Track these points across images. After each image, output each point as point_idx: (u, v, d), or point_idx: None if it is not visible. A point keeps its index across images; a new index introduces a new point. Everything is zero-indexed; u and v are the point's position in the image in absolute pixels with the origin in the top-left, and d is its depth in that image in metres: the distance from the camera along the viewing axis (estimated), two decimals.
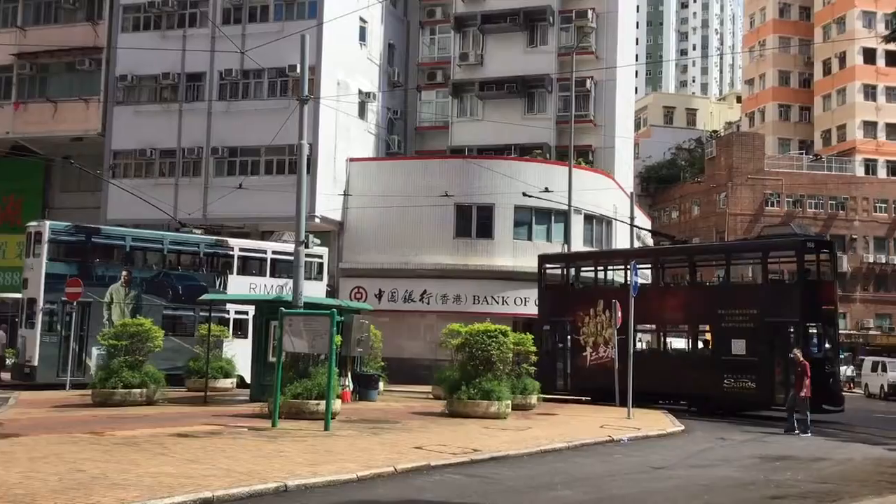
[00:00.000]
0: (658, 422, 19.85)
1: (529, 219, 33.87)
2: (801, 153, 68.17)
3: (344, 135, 34.65)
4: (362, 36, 37.04)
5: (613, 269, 28.52)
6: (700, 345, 25.26)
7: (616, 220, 36.30)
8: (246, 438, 13.81)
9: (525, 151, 38.04)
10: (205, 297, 23.21)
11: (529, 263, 33.00)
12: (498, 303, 32.42)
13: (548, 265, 29.43)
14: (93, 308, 24.67)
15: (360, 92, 36.39)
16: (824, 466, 13.79)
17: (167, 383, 20.47)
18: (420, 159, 38.04)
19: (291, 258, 20.20)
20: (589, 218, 35.05)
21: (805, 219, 57.44)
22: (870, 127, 68.13)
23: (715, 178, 62.16)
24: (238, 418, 16.76)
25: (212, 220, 32.99)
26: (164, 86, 35.48)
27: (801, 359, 19.26)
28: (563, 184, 31.56)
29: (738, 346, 23.33)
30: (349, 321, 21.80)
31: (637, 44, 74.93)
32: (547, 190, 31.34)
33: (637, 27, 75.79)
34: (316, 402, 16.67)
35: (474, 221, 33.65)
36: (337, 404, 17.08)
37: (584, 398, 26.42)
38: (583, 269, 29.05)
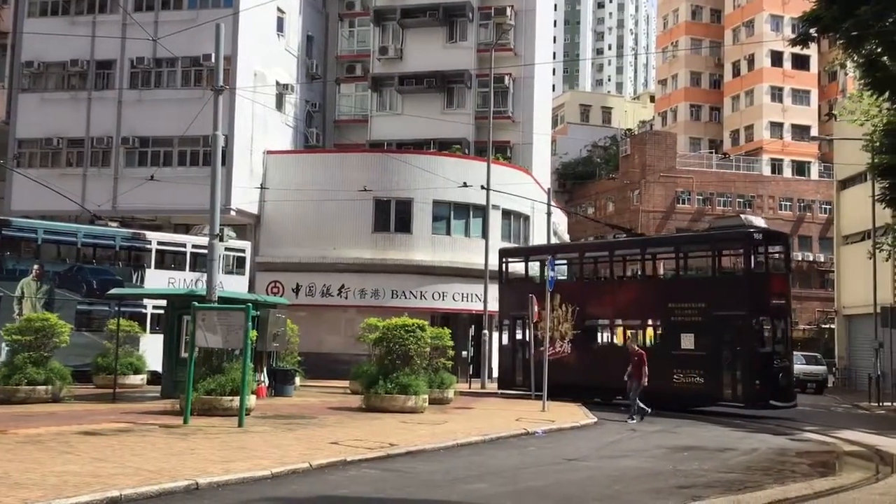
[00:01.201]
0: (572, 414, 20.20)
1: (448, 214, 34.01)
2: (711, 152, 70.22)
3: (261, 127, 34.15)
4: (280, 27, 36.56)
5: (569, 263, 28.08)
6: (652, 339, 24.66)
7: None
8: (156, 436, 13.49)
9: (444, 146, 38.18)
10: (114, 291, 22.61)
11: (448, 258, 33.23)
12: (416, 297, 32.46)
13: (508, 259, 29.09)
14: (3, 303, 23.78)
15: (278, 83, 35.92)
16: (730, 456, 14.23)
17: (80, 380, 19.86)
18: (339, 153, 37.77)
19: None
20: (507, 213, 35.38)
21: (713, 216, 59.19)
22: (776, 128, 70.63)
23: (629, 176, 63.47)
24: (148, 415, 16.37)
25: (122, 212, 32.10)
26: (72, 73, 34.37)
27: (637, 349, 20.54)
28: (482, 179, 31.76)
29: (688, 341, 23.00)
30: (265, 316, 21.51)
31: (554, 42, 75.97)
32: (465, 185, 31.52)
33: (554, 25, 76.91)
34: (230, 398, 16.39)
35: (393, 216, 33.59)
36: (252, 400, 16.86)
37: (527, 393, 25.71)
38: (538, 262, 28.36)
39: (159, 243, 27.42)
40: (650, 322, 24.55)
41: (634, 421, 19.45)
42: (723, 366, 22.17)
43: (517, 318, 27.47)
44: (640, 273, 25.71)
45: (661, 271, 25.93)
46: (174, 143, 32.70)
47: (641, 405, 19.86)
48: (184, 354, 19.18)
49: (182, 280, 27.15)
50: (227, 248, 27.29)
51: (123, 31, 33.51)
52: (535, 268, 28.54)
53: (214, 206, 18.50)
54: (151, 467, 10.36)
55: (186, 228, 32.54)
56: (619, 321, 25.29)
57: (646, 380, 19.78)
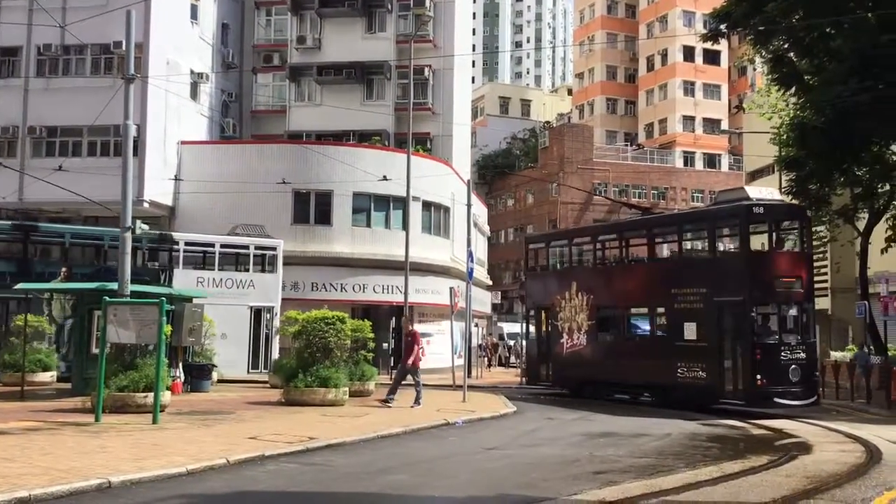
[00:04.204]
0: (492, 404, 20.40)
1: (368, 205, 33.87)
2: (627, 145, 71.72)
3: (175, 117, 33.35)
4: (194, 14, 35.75)
5: (583, 248, 26.38)
6: (657, 329, 22.35)
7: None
8: (67, 434, 13.09)
9: (364, 138, 37.99)
10: (21, 286, 21.79)
11: (368, 250, 33.11)
12: (336, 290, 32.24)
13: (531, 246, 28.00)
14: (33, 305, 23.07)
15: (192, 72, 35.13)
16: (644, 442, 14.58)
17: None
18: (256, 143, 37.21)
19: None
20: (427, 205, 35.41)
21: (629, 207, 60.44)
22: (688, 121, 72.59)
23: (547, 168, 64.28)
24: (58, 413, 15.86)
25: (29, 205, 30.94)
26: None
27: (411, 328, 20.22)
28: (402, 171, 31.69)
29: (690, 331, 20.57)
30: (180, 310, 21.06)
31: (474, 34, 76.26)
32: (385, 178, 31.43)
33: (473, 18, 77.17)
34: (143, 394, 16.01)
35: (313, 208, 33.28)
36: (166, 396, 16.50)
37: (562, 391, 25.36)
38: (559, 248, 27.11)
39: (187, 244, 27.23)
40: (656, 310, 22.19)
41: (420, 406, 18.77)
42: (724, 358, 19.69)
43: (541, 309, 26.35)
44: (646, 256, 23.21)
45: (665, 253, 23.67)
46: (84, 133, 31.69)
47: (395, 391, 19.34)
48: (95, 350, 18.64)
49: (211, 279, 26.90)
50: (257, 247, 27.84)
51: (30, 16, 32.23)
52: (555, 254, 27.31)
53: (126, 198, 17.99)
54: (62, 466, 10.05)
55: (96, 221, 31.58)
56: (633, 309, 23.18)
57: (413, 359, 19.19)
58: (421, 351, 19.76)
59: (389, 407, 18.79)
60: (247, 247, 27.86)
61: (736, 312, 19.51)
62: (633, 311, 23.11)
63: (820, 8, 22.64)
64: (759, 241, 20.61)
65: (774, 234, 20.44)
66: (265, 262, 28.10)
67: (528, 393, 26.23)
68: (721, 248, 21.10)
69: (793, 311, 20.00)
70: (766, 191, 21.41)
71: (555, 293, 25.27)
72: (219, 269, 27.52)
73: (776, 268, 19.92)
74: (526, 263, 28.10)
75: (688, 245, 22.51)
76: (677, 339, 20.76)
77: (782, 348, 19.10)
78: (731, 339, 19.64)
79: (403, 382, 20.25)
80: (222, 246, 27.69)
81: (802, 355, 19.35)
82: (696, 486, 10.07)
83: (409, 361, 19.58)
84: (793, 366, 19.06)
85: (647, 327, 22.60)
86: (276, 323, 26.32)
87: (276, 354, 26.07)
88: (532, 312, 26.98)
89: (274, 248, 28.36)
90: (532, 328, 26.93)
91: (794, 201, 26.45)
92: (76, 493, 8.93)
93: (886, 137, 24.60)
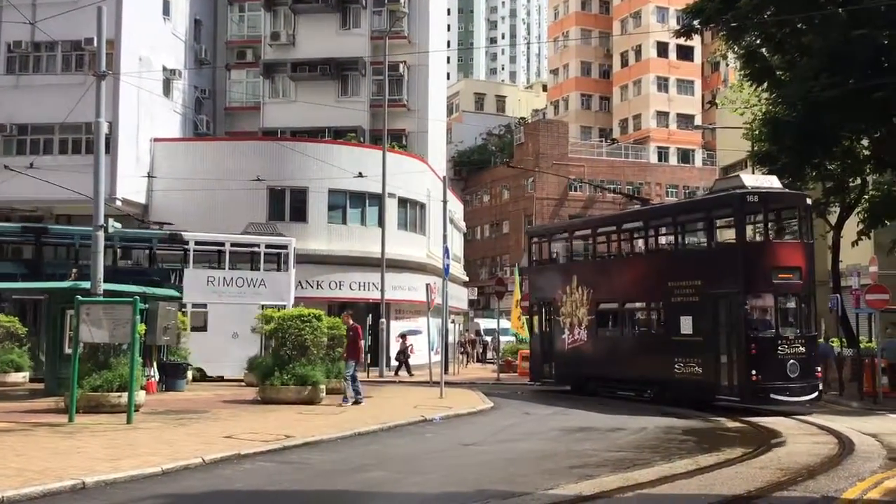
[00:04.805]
0: (469, 400, 20.42)
1: (344, 202, 33.78)
2: (602, 141, 72.00)
3: (147, 114, 33.04)
4: (166, 10, 35.43)
5: (583, 241, 25.82)
6: (653, 324, 21.79)
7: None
8: (40, 435, 12.95)
9: (339, 134, 37.86)
10: None
11: (344, 247, 33.03)
12: (312, 287, 32.09)
13: (534, 239, 27.49)
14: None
15: (165, 69, 34.82)
16: (620, 436, 14.67)
17: None
18: (230, 140, 36.98)
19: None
20: (403, 201, 35.37)
21: (604, 203, 60.76)
22: (662, 117, 73.00)
23: (523, 163, 64.41)
24: (31, 414, 15.68)
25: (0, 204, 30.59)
26: None
27: (352, 322, 19.54)
28: (378, 168, 31.65)
29: (686, 325, 19.87)
30: (154, 308, 20.89)
31: (449, 30, 76.30)
32: (361, 175, 31.35)
33: (448, 14, 77.16)
34: (118, 394, 15.87)
35: (288, 205, 33.15)
36: (141, 396, 16.36)
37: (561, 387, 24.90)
38: (560, 242, 26.46)
39: (197, 243, 27.17)
40: (653, 304, 21.65)
41: (349, 403, 18.35)
42: (719, 354, 19.01)
43: (544, 304, 25.69)
44: (644, 248, 22.65)
45: (661, 245, 22.85)
46: (55, 131, 31.31)
47: (357, 387, 18.92)
48: (68, 350, 18.46)
49: (221, 278, 26.91)
50: (267, 245, 27.68)
51: None
52: (556, 247, 26.65)
53: (98, 196, 17.76)
54: (35, 467, 9.95)
55: (68, 219, 31.27)
56: (630, 303, 22.55)
57: (362, 356, 18.73)
58: (361, 345, 19.17)
59: (358, 405, 18.53)
60: (257, 245, 27.79)
61: (730, 305, 18.84)
62: (631, 305, 22.56)
63: (791, 4, 22.85)
64: (757, 231, 19.95)
65: (771, 223, 19.80)
66: (278, 261, 27.91)
67: (504, 389, 26.29)
68: (716, 238, 20.39)
69: (791, 304, 19.26)
70: (765, 178, 20.69)
71: (556, 288, 24.77)
72: (229, 268, 27.51)
73: (772, 258, 19.07)
74: (529, 257, 27.54)
75: (683, 237, 21.81)
76: (674, 334, 20.13)
77: (779, 342, 18.28)
78: (725, 333, 18.96)
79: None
80: (232, 245, 27.70)
81: (802, 350, 18.49)
82: (672, 479, 10.15)
83: (346, 355, 19.05)
84: (791, 361, 18.22)
85: (645, 322, 22.15)
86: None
87: None
88: (535, 308, 26.34)
89: (285, 247, 28.13)
90: (535, 324, 26.25)
91: None
92: (50, 495, 8.84)
93: (857, 132, 24.88)
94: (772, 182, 20.23)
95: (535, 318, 26.15)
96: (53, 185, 28.85)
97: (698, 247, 21.38)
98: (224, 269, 27.32)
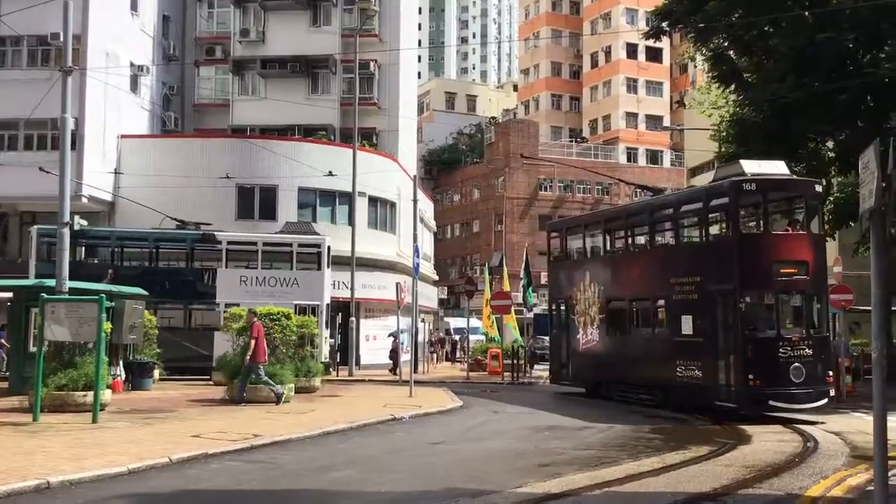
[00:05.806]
0: (438, 399, 20.43)
1: (314, 201, 33.65)
2: (572, 141, 72.34)
3: (114, 110, 32.66)
4: (134, 5, 35.06)
5: (594, 236, 24.43)
6: (656, 323, 20.41)
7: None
8: (3, 434, 12.76)
9: (309, 132, 37.69)
10: None
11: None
12: None
13: (553, 234, 26.49)
14: None
15: (132, 65, 34.44)
16: (589, 434, 14.76)
17: None
18: (199, 138, 36.65)
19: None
20: (374, 200, 35.32)
21: (573, 203, 61.07)
22: (631, 118, 73.51)
23: (494, 163, 64.51)
24: None
25: None
26: None
27: (255, 320, 18.25)
28: (348, 166, 31.54)
29: (686, 325, 18.44)
30: (121, 307, 20.64)
31: (420, 29, 76.25)
32: (331, 174, 31.23)
33: (419, 13, 77.12)
34: (83, 393, 15.68)
35: (257, 203, 32.96)
36: (107, 395, 16.18)
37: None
38: (576, 237, 25.13)
39: (229, 243, 27.25)
40: (657, 303, 20.18)
41: (282, 401, 17.80)
42: (717, 356, 17.45)
43: (561, 302, 24.45)
44: (645, 243, 21.37)
45: (661, 240, 21.54)
46: (20, 127, 30.80)
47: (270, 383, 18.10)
48: (32, 349, 18.22)
49: (254, 278, 26.84)
50: (300, 244, 27.60)
51: None
52: (572, 243, 25.28)
53: (64, 193, 17.55)
54: None
55: (33, 217, 30.85)
56: (635, 301, 21.17)
57: (261, 356, 17.74)
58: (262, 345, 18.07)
59: (282, 396, 18.00)
60: (289, 244, 27.65)
61: (727, 303, 17.24)
62: (636, 303, 21.18)
63: (759, 7, 23.13)
64: (762, 223, 18.15)
65: (772, 213, 18.37)
66: (315, 260, 27.60)
67: (474, 388, 26.33)
68: (714, 230, 19.01)
69: (795, 302, 17.77)
70: (770, 164, 18.51)
71: (572, 285, 23.71)
72: (262, 268, 27.38)
73: (773, 252, 17.36)
74: (549, 254, 26.66)
75: (682, 230, 20.35)
76: (675, 335, 18.70)
77: (780, 344, 16.60)
78: (723, 333, 17.39)
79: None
80: (265, 244, 27.64)
81: (808, 352, 16.72)
82: (639, 477, 10.24)
83: (250, 357, 17.86)
84: (794, 364, 16.49)
85: (649, 321, 20.74)
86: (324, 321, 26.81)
87: (325, 356, 26.17)
88: (553, 306, 25.22)
89: (318, 245, 27.79)
90: (554, 323, 25.09)
91: None
92: (14, 494, 8.73)
93: (822, 133, 25.24)
94: (777, 167, 18.30)
95: (554, 318, 25.09)
96: (17, 182, 28.60)
97: (696, 241, 19.86)
98: (257, 268, 27.27)
